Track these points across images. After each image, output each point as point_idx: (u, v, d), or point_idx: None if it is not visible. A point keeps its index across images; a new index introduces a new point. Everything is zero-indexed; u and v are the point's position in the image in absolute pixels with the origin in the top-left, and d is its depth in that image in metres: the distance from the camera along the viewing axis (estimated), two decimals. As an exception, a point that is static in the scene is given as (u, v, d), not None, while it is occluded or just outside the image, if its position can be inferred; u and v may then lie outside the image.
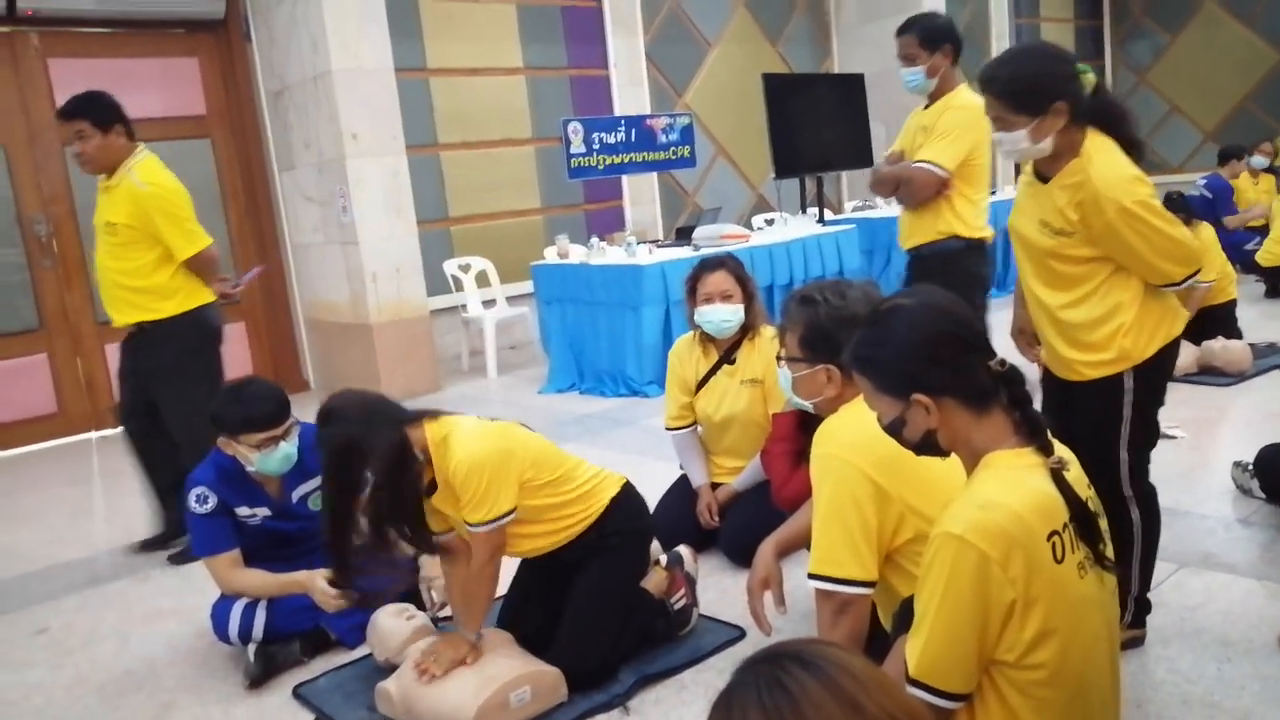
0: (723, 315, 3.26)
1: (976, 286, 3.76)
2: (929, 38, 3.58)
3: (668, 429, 3.49)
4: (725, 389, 3.35)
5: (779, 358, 2.30)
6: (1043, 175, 2.44)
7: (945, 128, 3.56)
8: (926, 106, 3.69)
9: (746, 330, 3.34)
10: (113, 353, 6.24)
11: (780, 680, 1.00)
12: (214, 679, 2.85)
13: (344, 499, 2.35)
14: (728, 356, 3.36)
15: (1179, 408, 4.49)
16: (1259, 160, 8.19)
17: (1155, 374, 2.39)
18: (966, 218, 3.67)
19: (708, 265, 3.33)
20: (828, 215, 7.49)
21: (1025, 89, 2.34)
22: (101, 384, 6.31)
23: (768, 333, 3.30)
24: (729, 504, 3.33)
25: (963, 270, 3.65)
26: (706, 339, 3.40)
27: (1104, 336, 2.34)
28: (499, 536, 2.46)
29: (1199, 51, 12.76)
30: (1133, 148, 2.40)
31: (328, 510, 2.39)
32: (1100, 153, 2.35)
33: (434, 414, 2.49)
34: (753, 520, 3.00)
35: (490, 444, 2.41)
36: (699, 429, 3.49)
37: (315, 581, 2.80)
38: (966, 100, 3.57)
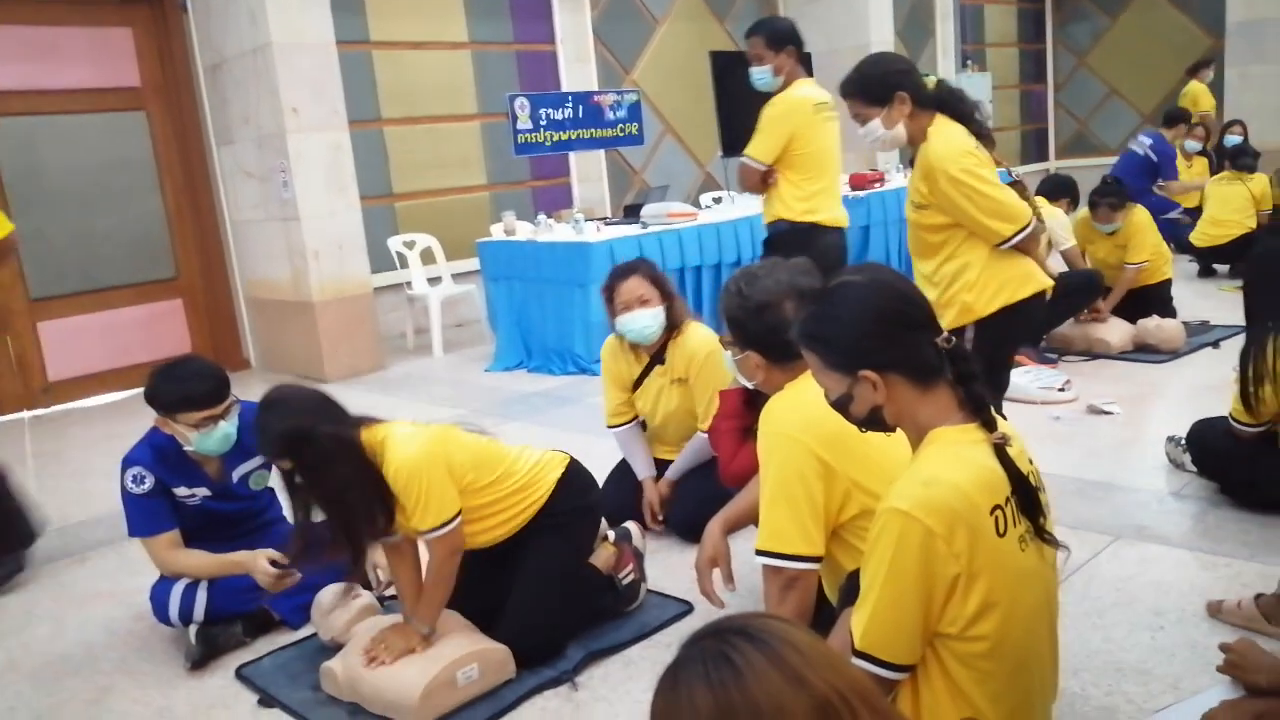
0: (643, 322, 3.19)
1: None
2: (775, 40, 3.94)
3: (609, 427, 3.43)
4: (659, 389, 3.31)
5: (722, 340, 2.33)
6: (913, 161, 2.98)
7: (760, 123, 3.96)
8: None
9: (672, 329, 3.27)
10: (46, 330, 6.13)
11: (725, 654, 1.01)
12: (153, 662, 2.80)
13: (303, 484, 2.32)
14: (658, 357, 3.30)
15: (1114, 384, 4.60)
16: (1192, 144, 8.36)
17: (997, 330, 2.79)
18: (789, 202, 4.02)
19: (620, 273, 3.25)
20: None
21: (871, 84, 2.88)
22: (33, 363, 6.14)
23: (691, 330, 3.25)
24: (675, 484, 3.33)
25: (793, 252, 4.03)
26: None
27: (953, 293, 2.78)
28: (456, 537, 2.43)
29: (1137, 35, 13.00)
30: (971, 124, 2.89)
31: (295, 502, 2.38)
32: (939, 133, 2.86)
33: (369, 421, 2.44)
34: (701, 498, 3.02)
35: (425, 448, 2.37)
36: (642, 421, 3.45)
37: (257, 562, 2.76)
38: (787, 95, 3.95)
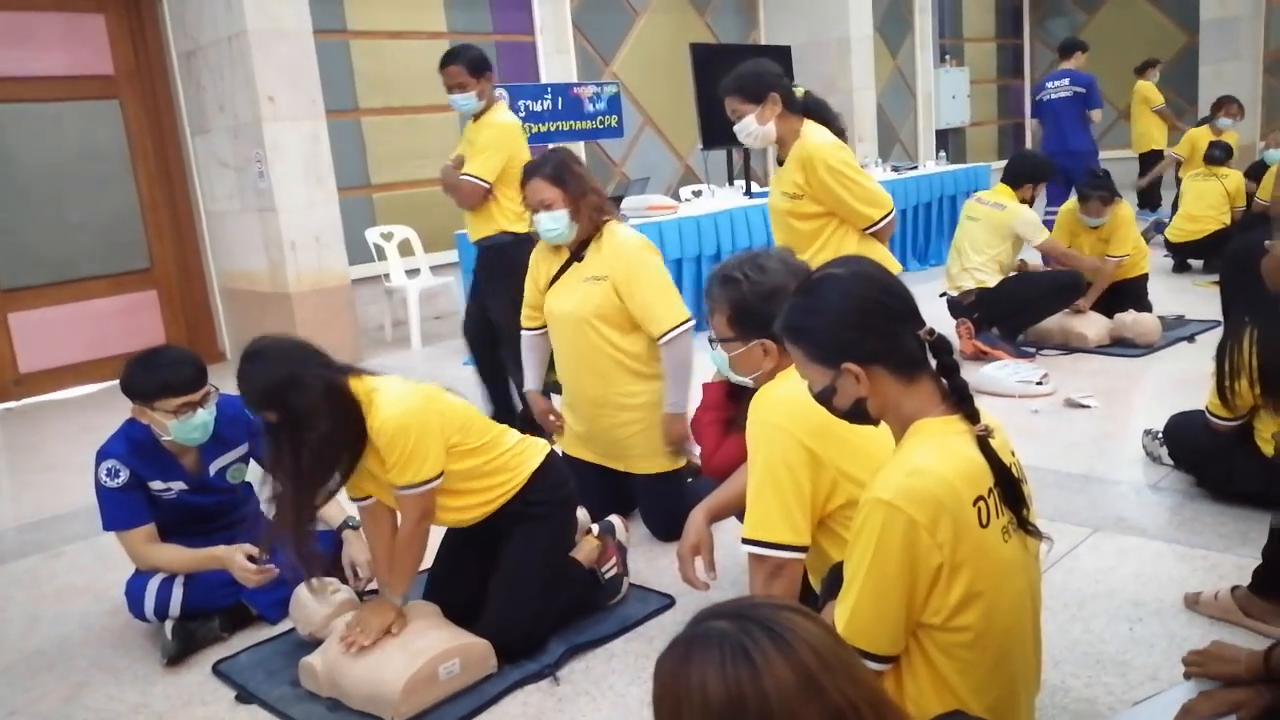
0: (545, 225, 3.09)
1: (510, 271, 4.28)
2: (475, 67, 4.15)
3: (522, 328, 3.43)
4: (570, 286, 3.17)
5: (710, 340, 2.29)
6: (781, 160, 3.42)
7: (483, 144, 4.15)
8: (475, 121, 4.27)
9: (588, 230, 3.12)
10: (17, 322, 6.05)
11: (746, 649, 1.00)
12: (130, 657, 2.77)
13: (290, 441, 2.26)
14: (577, 254, 3.18)
15: (1092, 378, 4.63)
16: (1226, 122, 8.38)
17: None
18: (511, 216, 4.21)
19: (526, 173, 3.14)
20: (754, 187, 7.51)
21: (747, 83, 3.32)
22: (5, 354, 6.05)
23: (614, 231, 3.11)
24: (642, 493, 3.25)
25: (514, 260, 4.10)
26: None
27: None
28: (428, 500, 2.42)
29: (1114, 31, 13.10)
30: (833, 128, 3.36)
31: (276, 457, 2.31)
32: (813, 132, 3.32)
33: (357, 371, 2.43)
34: (677, 498, 3.04)
35: (417, 405, 2.37)
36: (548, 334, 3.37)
37: (234, 556, 2.74)
38: (501, 120, 4.22)
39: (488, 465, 2.54)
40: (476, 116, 4.25)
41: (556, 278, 3.23)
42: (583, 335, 3.12)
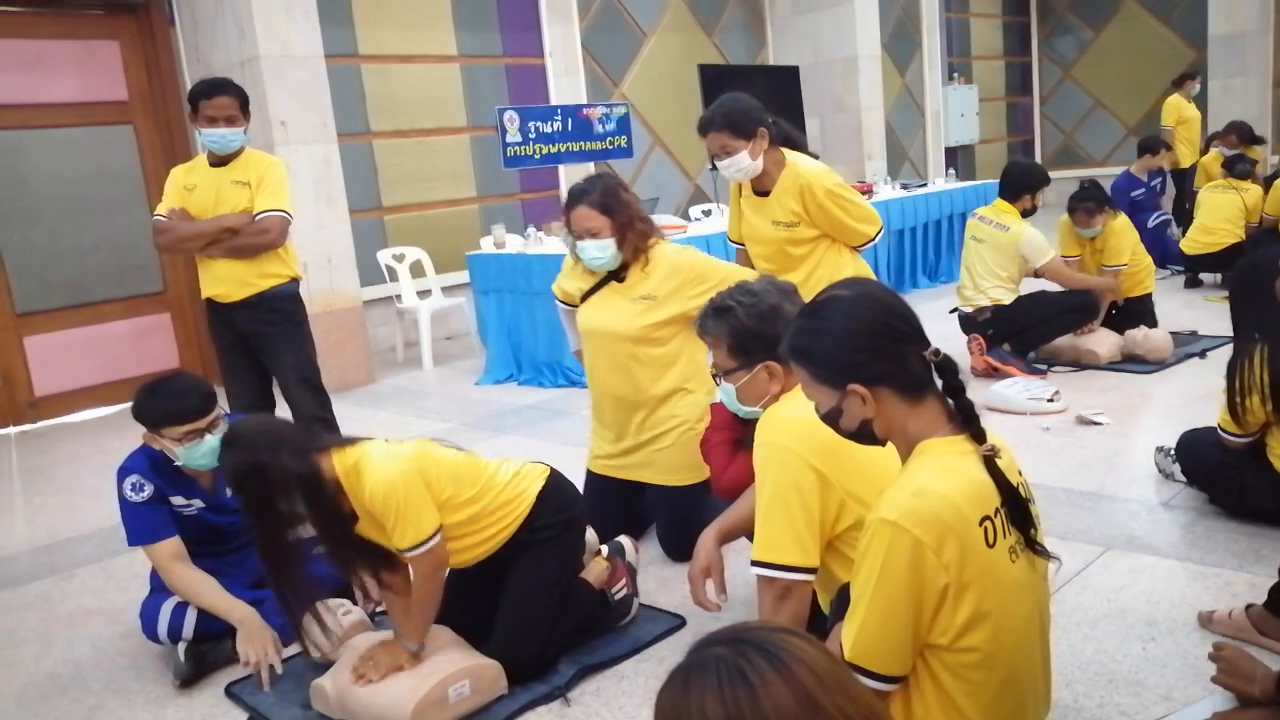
0: (591, 253, 3.07)
1: (306, 319, 4.12)
2: (246, 102, 3.89)
3: (559, 303, 3.42)
4: (610, 303, 3.15)
5: (714, 376, 2.29)
6: (762, 192, 3.43)
7: (275, 181, 3.87)
8: (225, 163, 3.86)
9: (632, 256, 3.11)
10: (32, 345, 6.10)
11: (742, 670, 1.00)
12: (143, 680, 2.78)
13: (265, 523, 2.29)
14: (616, 275, 3.16)
15: (1104, 395, 4.62)
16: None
17: None
18: (294, 261, 4.01)
19: (572, 198, 3.09)
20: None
21: (739, 120, 3.27)
22: (20, 378, 6.10)
23: (661, 252, 3.12)
24: (661, 503, 3.25)
25: (303, 308, 4.06)
26: None
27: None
28: (438, 554, 2.41)
29: (1121, 48, 13.14)
30: (805, 150, 3.45)
31: (256, 533, 2.33)
32: (799, 160, 3.36)
33: (340, 442, 2.42)
34: (687, 517, 3.03)
35: (402, 466, 2.35)
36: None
37: (255, 629, 2.70)
38: (277, 159, 4.00)
39: (486, 508, 2.53)
40: (228, 158, 3.84)
41: (591, 292, 3.21)
42: (624, 350, 3.13)
